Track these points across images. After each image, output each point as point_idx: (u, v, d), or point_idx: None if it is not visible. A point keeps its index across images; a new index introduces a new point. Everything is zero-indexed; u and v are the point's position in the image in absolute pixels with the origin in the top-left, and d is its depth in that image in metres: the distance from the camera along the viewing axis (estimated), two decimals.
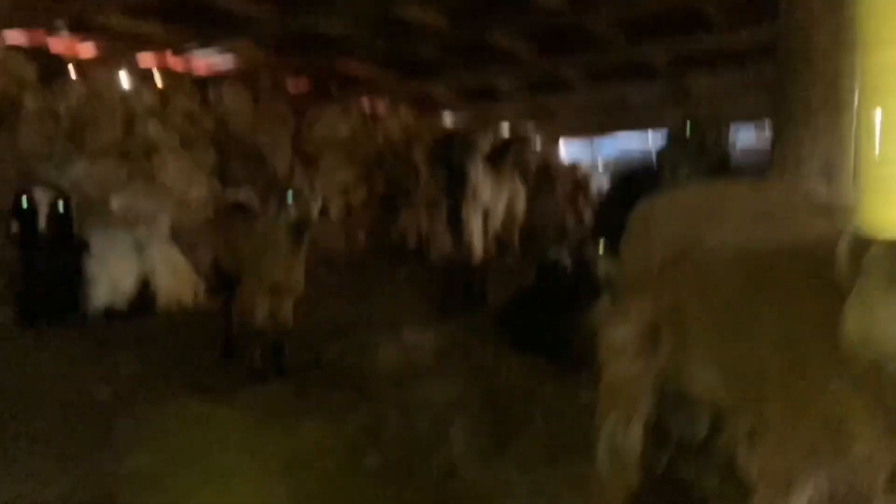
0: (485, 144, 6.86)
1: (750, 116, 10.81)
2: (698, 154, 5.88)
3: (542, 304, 5.72)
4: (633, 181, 10.13)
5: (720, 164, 5.84)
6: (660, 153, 6.82)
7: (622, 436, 2.46)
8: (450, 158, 6.28)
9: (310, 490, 3.41)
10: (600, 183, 13.92)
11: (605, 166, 14.57)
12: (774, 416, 1.96)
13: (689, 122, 5.89)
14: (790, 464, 1.94)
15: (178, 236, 7.14)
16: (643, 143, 15.06)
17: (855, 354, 1.53)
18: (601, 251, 5.49)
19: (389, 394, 4.58)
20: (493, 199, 6.90)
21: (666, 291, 2.33)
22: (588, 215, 12.81)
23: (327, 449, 3.82)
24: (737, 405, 2.22)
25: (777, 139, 3.36)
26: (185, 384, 4.68)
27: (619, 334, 2.43)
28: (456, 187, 6.27)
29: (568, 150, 14.27)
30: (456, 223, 6.35)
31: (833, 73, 3.20)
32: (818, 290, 1.87)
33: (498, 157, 7.63)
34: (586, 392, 4.79)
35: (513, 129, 11.03)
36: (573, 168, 13.26)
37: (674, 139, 6.17)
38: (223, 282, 5.13)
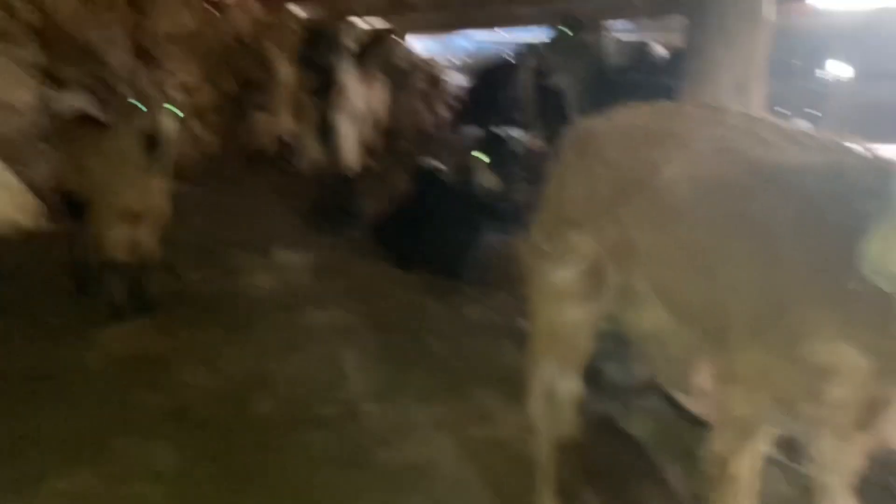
0: (352, 41, 6.33)
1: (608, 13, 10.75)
2: (577, 58, 5.70)
3: (422, 217, 5.47)
4: (496, 80, 9.97)
5: (598, 69, 5.69)
6: (535, 55, 6.60)
7: (560, 382, 2.30)
8: (317, 58, 5.76)
9: (199, 445, 3.08)
10: (456, 81, 13.64)
11: (461, 64, 14.28)
12: (744, 359, 1.85)
13: (568, 24, 5.65)
14: (758, 409, 1.85)
15: (3, 149, 6.22)
16: (495, 40, 14.88)
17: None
18: (479, 161, 5.28)
19: (269, 326, 4.24)
20: (363, 105, 6.46)
21: (613, 227, 2.13)
22: (445, 114, 12.55)
23: (211, 397, 3.48)
24: (691, 347, 2.10)
25: (691, 50, 3.19)
26: (34, 326, 4.11)
27: (559, 276, 2.22)
28: (325, 90, 5.78)
29: (420, 46, 13.81)
30: (326, 130, 5.90)
31: None
32: (805, 227, 1.74)
33: (365, 55, 7.15)
34: (475, 309, 4.71)
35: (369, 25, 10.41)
36: (428, 65, 12.82)
37: (552, 41, 5.93)
38: (69, 206, 4.47)
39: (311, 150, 6.05)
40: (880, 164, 1.74)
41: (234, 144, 8.77)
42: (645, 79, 5.48)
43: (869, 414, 1.78)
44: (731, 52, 3.07)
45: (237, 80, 8.98)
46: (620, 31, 12.91)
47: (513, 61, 10.40)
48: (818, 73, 10.89)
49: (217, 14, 9.10)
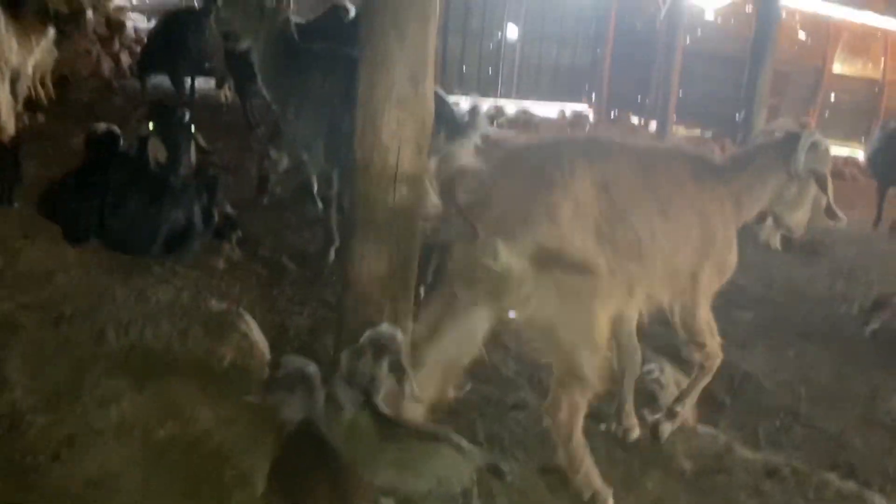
0: None
1: None
2: (257, 19, 5.41)
3: (94, 185, 4.99)
4: (182, 25, 9.38)
5: (281, 34, 5.46)
6: (213, 11, 6.22)
7: None
8: None
9: None
10: (137, 24, 12.64)
11: (140, 5, 13.28)
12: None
13: None
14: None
15: None
16: None
17: None
18: (151, 132, 5.00)
19: None
20: (20, 58, 5.67)
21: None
22: (126, 60, 11.59)
23: None
24: None
25: (365, 41, 3.20)
26: None
27: None
28: None
29: None
30: None
31: None
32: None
33: (16, 2, 6.25)
34: (163, 291, 4.42)
35: None
36: (105, 7, 11.66)
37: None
38: None
39: None
40: None
41: None
42: (330, 49, 5.39)
43: None
44: (404, 47, 3.14)
45: None
46: None
47: (196, 6, 9.86)
48: (497, 34, 11.67)
49: None
